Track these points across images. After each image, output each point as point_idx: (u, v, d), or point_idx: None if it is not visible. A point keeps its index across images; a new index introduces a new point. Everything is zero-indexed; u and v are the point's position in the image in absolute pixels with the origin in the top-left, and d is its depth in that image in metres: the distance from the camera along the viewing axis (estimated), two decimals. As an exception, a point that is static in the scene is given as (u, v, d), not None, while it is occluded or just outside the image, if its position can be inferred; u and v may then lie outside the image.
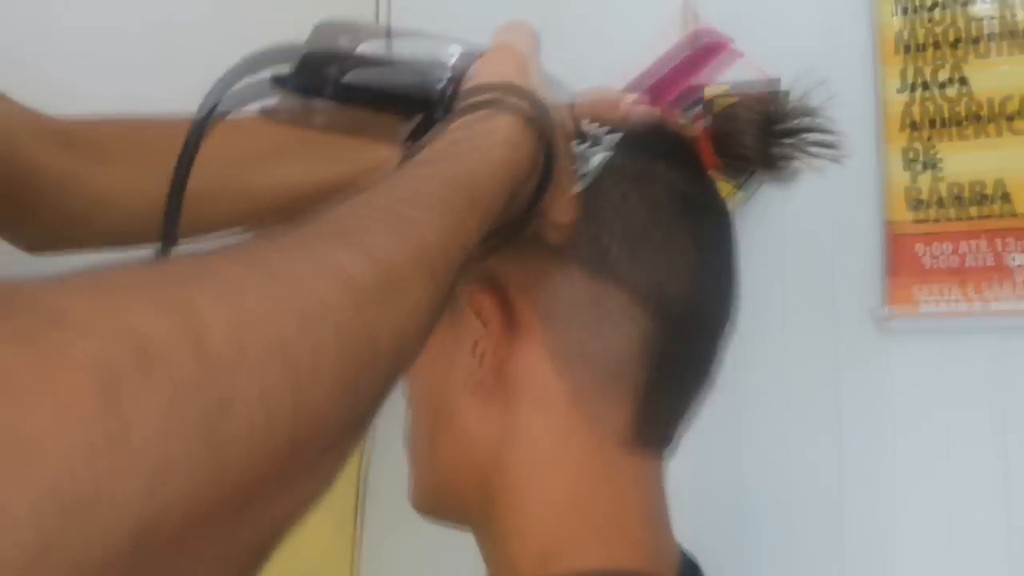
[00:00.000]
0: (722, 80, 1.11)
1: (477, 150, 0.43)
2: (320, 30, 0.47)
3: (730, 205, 1.26)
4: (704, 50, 0.62)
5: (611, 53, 1.26)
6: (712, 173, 0.61)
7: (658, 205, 0.57)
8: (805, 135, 0.60)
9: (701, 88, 0.62)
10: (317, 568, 1.30)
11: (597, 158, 0.56)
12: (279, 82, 0.49)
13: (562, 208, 0.52)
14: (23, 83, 1.02)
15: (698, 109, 0.62)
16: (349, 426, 0.30)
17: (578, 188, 0.54)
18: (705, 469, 1.19)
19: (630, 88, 0.62)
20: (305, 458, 0.28)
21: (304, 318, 0.27)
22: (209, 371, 0.23)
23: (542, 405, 0.54)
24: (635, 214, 0.55)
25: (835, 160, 0.60)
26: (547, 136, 0.46)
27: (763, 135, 0.59)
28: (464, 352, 0.55)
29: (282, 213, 0.59)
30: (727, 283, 0.61)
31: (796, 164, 0.61)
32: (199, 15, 1.24)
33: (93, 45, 1.09)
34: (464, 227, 0.38)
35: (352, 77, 0.49)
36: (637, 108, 0.59)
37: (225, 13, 1.26)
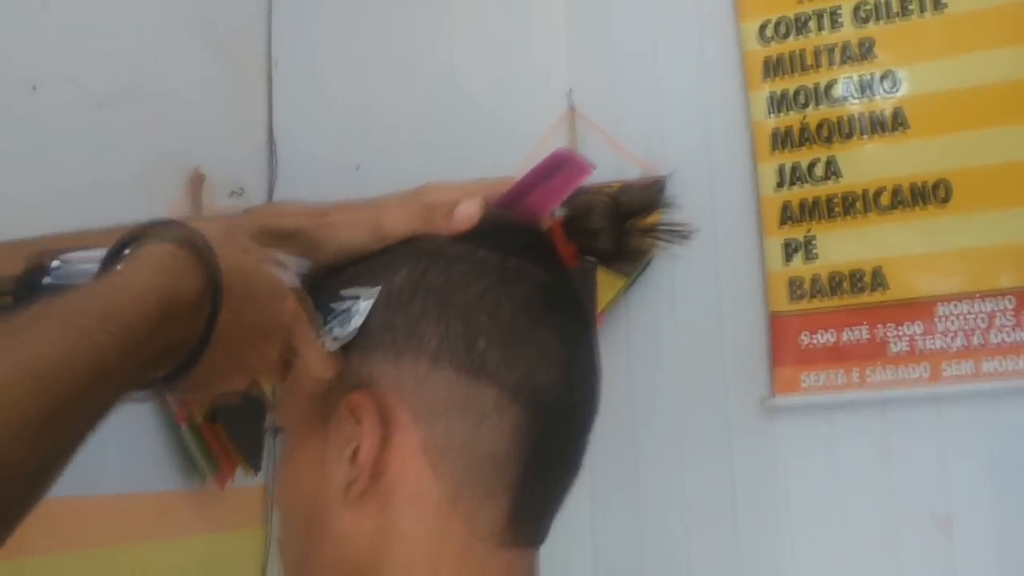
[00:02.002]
0: (612, 179, 1.15)
1: (115, 276, 0.45)
2: (37, 263, 0.49)
3: (619, 295, 1.30)
4: (566, 173, 0.63)
5: (503, 151, 1.30)
6: (588, 266, 0.62)
7: (528, 305, 0.57)
8: (651, 218, 0.61)
9: (557, 200, 0.63)
10: None
11: (360, 308, 0.57)
12: None
13: (317, 365, 0.54)
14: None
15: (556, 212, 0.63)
16: None
17: (343, 341, 0.56)
18: (608, 556, 1.19)
19: (497, 205, 0.62)
20: None
21: None
22: None
23: (418, 505, 0.53)
24: (508, 316, 0.55)
25: (683, 241, 0.61)
26: (208, 259, 0.47)
27: (612, 215, 0.61)
28: (340, 459, 0.55)
29: None
30: (591, 372, 0.62)
31: (646, 246, 0.62)
32: (81, 131, 1.23)
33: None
34: (92, 341, 0.39)
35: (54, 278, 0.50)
36: (467, 209, 0.60)
37: (107, 129, 1.27)
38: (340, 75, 1.51)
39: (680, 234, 0.62)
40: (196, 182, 1.37)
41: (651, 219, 0.61)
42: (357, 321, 0.56)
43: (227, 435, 1.24)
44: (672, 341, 1.23)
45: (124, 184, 1.28)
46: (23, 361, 0.36)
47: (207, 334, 0.47)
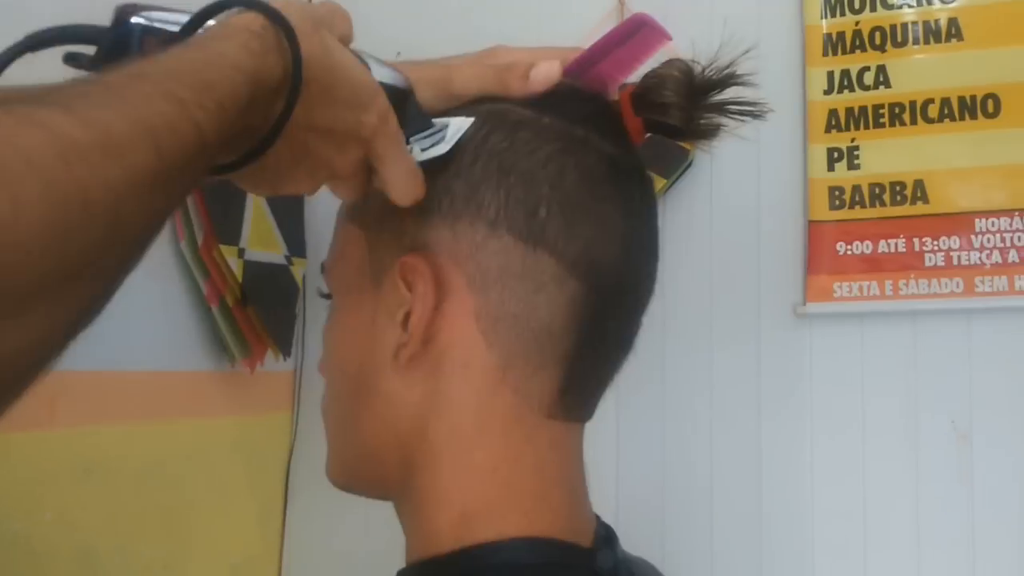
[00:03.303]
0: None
1: (204, 45, 0.42)
2: (123, 11, 0.46)
3: (658, 195, 1.29)
4: (641, 40, 0.60)
5: (544, 43, 1.26)
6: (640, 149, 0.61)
7: (593, 176, 0.55)
8: (727, 94, 0.59)
9: (629, 70, 0.61)
10: (245, 555, 1.29)
11: (457, 124, 0.54)
12: (74, 61, 0.47)
13: (402, 176, 0.51)
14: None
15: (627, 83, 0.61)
16: (61, 272, 0.32)
17: (431, 156, 0.53)
18: (629, 448, 1.22)
19: (567, 72, 0.60)
20: (12, 295, 0.30)
21: (4, 171, 0.29)
22: None
23: (469, 373, 0.53)
24: (572, 186, 0.54)
25: (759, 117, 0.60)
26: (294, 45, 0.44)
27: (683, 89, 0.59)
28: (391, 324, 0.54)
29: None
30: (651, 253, 0.61)
31: (716, 123, 0.60)
32: None
33: None
34: (190, 115, 0.38)
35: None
36: (546, 69, 0.58)
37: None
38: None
39: (754, 113, 0.61)
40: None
41: (727, 96, 0.60)
42: (452, 137, 0.53)
43: (258, 319, 1.24)
44: (707, 244, 1.23)
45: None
46: (138, 120, 0.35)
47: (279, 125, 0.45)
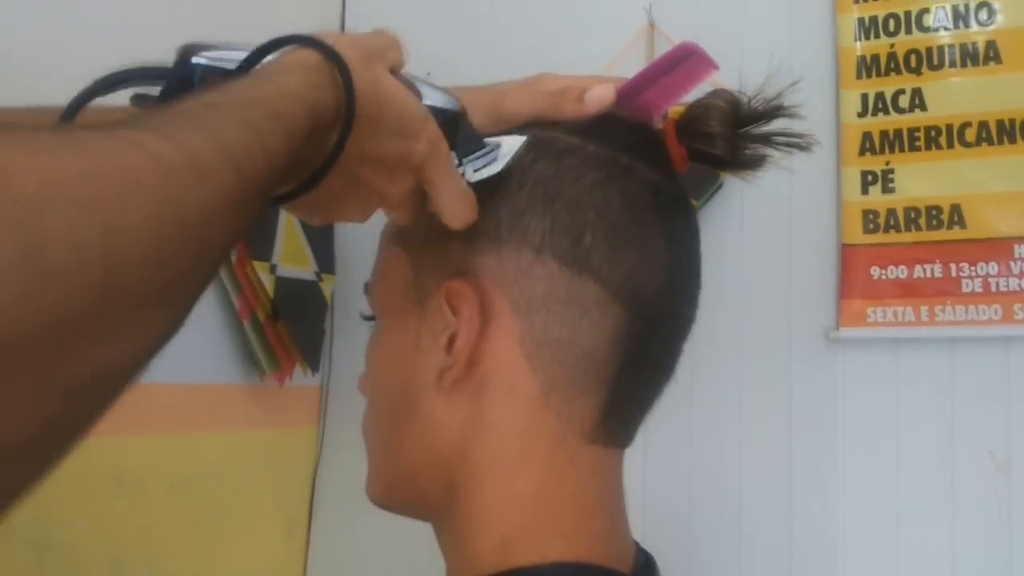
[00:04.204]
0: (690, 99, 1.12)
1: (267, 78, 0.44)
2: (186, 51, 0.48)
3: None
4: (689, 69, 0.61)
5: (575, 65, 1.27)
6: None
7: (637, 203, 0.55)
8: (772, 126, 0.59)
9: (675, 98, 0.61)
10: (270, 567, 1.29)
11: (510, 144, 0.54)
12: (142, 100, 0.49)
13: (453, 200, 0.52)
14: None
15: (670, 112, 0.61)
16: (160, 286, 0.34)
17: (484, 177, 0.53)
18: (659, 471, 1.20)
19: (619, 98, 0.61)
20: (118, 307, 0.32)
21: (111, 181, 0.31)
22: (20, 212, 0.28)
23: (512, 397, 0.53)
24: (616, 213, 0.54)
25: (805, 149, 0.59)
26: (347, 80, 0.46)
27: (729, 120, 0.59)
28: (434, 347, 0.54)
29: None
30: (693, 280, 0.61)
31: (761, 155, 0.60)
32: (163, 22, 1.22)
33: (59, 50, 1.08)
34: (264, 142, 0.40)
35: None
36: (601, 92, 0.58)
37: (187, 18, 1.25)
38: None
39: (800, 145, 0.61)
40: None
41: (772, 128, 0.60)
42: (504, 156, 0.54)
43: (288, 334, 1.25)
44: (738, 266, 1.22)
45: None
46: (219, 144, 0.37)
47: (332, 157, 0.47)
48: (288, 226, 1.26)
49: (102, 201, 0.31)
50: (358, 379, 0.63)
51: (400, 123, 0.49)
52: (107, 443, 1.08)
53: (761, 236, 1.22)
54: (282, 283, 1.24)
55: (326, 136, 0.46)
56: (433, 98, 0.52)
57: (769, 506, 1.16)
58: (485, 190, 0.54)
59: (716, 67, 0.60)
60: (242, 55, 0.47)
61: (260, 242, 1.21)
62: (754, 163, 0.60)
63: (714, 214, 1.23)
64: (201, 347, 1.22)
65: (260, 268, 1.20)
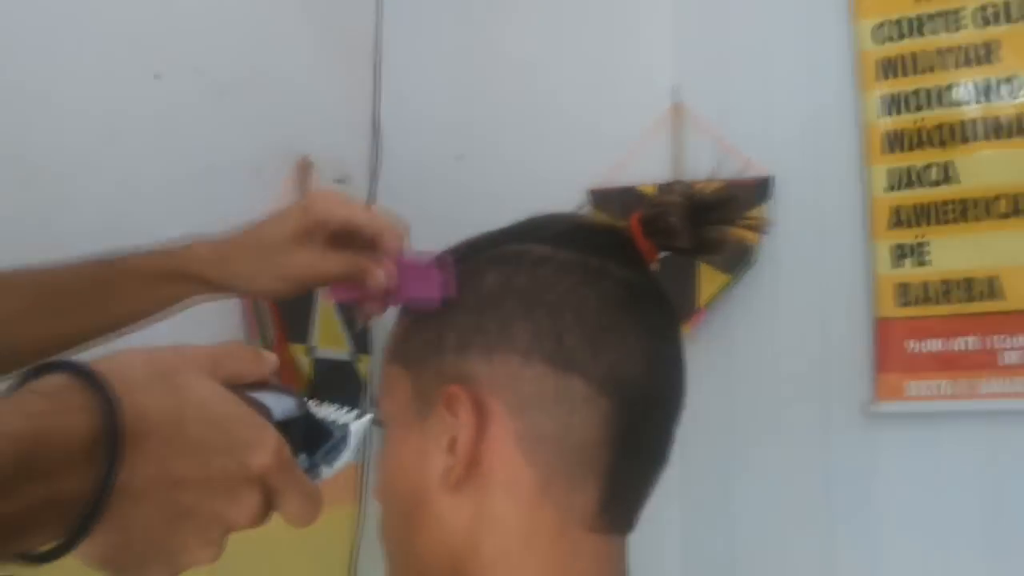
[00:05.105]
0: (715, 179, 1.15)
1: None
2: None
3: (722, 291, 1.29)
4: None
5: (604, 144, 1.30)
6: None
7: (612, 300, 0.59)
8: (727, 214, 0.63)
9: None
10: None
11: (357, 428, 0.57)
12: None
13: (299, 512, 0.47)
14: (24, 175, 1.07)
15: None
16: None
17: (333, 474, 0.52)
18: (699, 553, 1.18)
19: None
20: None
21: None
22: None
23: (512, 492, 0.55)
24: (593, 312, 0.58)
25: (760, 230, 0.63)
26: (100, 389, 0.40)
27: (687, 212, 0.63)
28: (438, 450, 0.57)
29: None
30: (676, 365, 0.64)
31: (721, 238, 0.64)
32: (198, 102, 1.28)
33: (93, 141, 1.14)
34: None
35: None
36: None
37: (224, 116, 1.31)
38: (445, 66, 1.53)
39: (755, 227, 0.64)
40: (303, 169, 1.41)
41: (728, 214, 0.63)
42: (355, 443, 0.53)
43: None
44: (773, 341, 1.22)
45: (237, 169, 1.32)
46: None
47: (103, 489, 0.39)
48: (324, 309, 1.30)
49: None
50: (372, 489, 0.66)
51: (223, 437, 0.44)
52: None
53: (793, 311, 1.22)
54: (320, 364, 1.26)
55: (83, 467, 0.39)
56: (272, 405, 0.49)
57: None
58: (471, 306, 0.58)
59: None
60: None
61: (297, 325, 1.24)
62: (715, 248, 0.63)
63: (746, 291, 1.23)
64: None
65: (298, 350, 1.23)
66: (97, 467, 0.38)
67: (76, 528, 0.39)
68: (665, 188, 0.57)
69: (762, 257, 1.22)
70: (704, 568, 1.17)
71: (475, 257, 0.61)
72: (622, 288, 0.59)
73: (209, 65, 1.30)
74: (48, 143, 1.08)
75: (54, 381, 0.39)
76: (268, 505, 0.46)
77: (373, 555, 1.37)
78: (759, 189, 1.20)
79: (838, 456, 1.17)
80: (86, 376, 0.39)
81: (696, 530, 1.19)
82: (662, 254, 0.63)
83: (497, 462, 0.56)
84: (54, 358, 0.41)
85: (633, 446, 0.58)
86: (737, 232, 0.63)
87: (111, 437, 0.39)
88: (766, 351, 1.22)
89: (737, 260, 1.21)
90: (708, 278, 1.21)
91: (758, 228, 0.63)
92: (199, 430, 0.42)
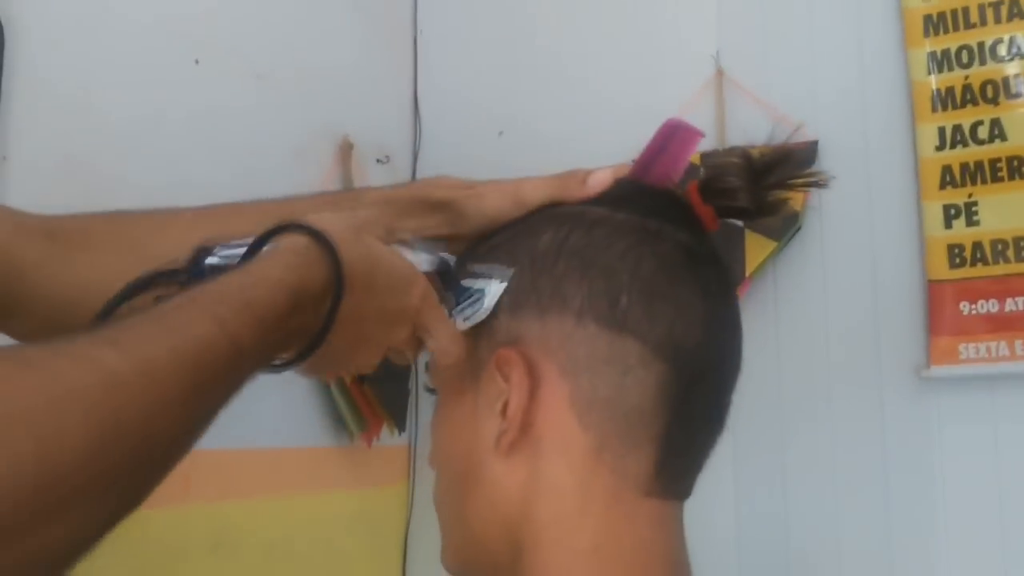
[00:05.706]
0: (762, 144, 1.13)
1: (253, 269, 0.50)
2: (199, 252, 0.55)
3: (769, 259, 1.28)
4: (679, 142, 0.65)
5: (646, 116, 1.29)
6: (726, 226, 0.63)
7: (669, 262, 0.59)
8: (787, 173, 0.62)
9: (675, 171, 0.65)
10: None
11: (493, 291, 0.59)
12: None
13: (445, 344, 0.58)
14: (73, 173, 1.09)
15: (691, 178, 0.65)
16: (98, 482, 0.38)
17: (473, 322, 0.58)
18: (749, 523, 1.18)
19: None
20: (50, 505, 0.36)
21: (52, 398, 0.36)
22: None
23: (566, 456, 0.56)
24: (649, 273, 0.58)
25: (822, 187, 0.62)
26: (333, 254, 0.51)
27: (746, 173, 0.62)
28: (491, 414, 0.57)
29: None
30: (733, 330, 0.63)
31: (782, 199, 0.63)
32: (240, 103, 1.29)
33: (137, 134, 1.15)
34: (229, 331, 0.44)
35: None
36: (601, 174, 0.63)
37: (264, 100, 1.32)
38: (483, 42, 1.53)
39: (817, 183, 0.63)
40: (345, 150, 1.42)
41: (787, 173, 0.62)
42: (489, 303, 0.59)
43: (374, 395, 1.28)
44: (822, 307, 1.20)
45: (280, 152, 1.33)
46: (173, 346, 0.42)
47: (329, 321, 0.52)
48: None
49: (40, 416, 0.35)
50: (427, 454, 0.66)
51: (392, 282, 0.56)
52: (204, 510, 1.12)
53: (844, 276, 1.20)
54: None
55: (320, 304, 0.52)
56: (419, 260, 0.60)
57: (868, 555, 1.13)
58: (525, 266, 0.58)
59: (702, 134, 0.64)
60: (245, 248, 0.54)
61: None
62: (776, 208, 0.62)
63: (794, 255, 1.22)
64: (290, 412, 1.25)
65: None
66: (326, 305, 0.51)
67: (306, 348, 0.51)
68: (710, 156, 0.57)
69: (809, 222, 1.21)
70: (758, 534, 1.17)
71: (529, 218, 0.61)
72: (679, 251, 0.59)
73: (249, 49, 1.31)
74: (91, 136, 1.10)
75: (299, 240, 0.51)
76: (419, 339, 0.58)
77: (424, 534, 1.38)
78: (807, 153, 1.19)
79: (891, 422, 1.15)
80: (318, 236, 0.51)
81: (749, 497, 1.18)
82: (721, 220, 0.63)
83: (550, 425, 0.57)
84: (290, 219, 0.53)
85: (689, 411, 0.57)
86: (796, 191, 0.62)
87: (339, 284, 0.51)
88: (815, 318, 1.20)
89: (784, 226, 1.19)
90: (755, 245, 1.19)
91: (819, 184, 0.62)
92: (379, 278, 0.54)
